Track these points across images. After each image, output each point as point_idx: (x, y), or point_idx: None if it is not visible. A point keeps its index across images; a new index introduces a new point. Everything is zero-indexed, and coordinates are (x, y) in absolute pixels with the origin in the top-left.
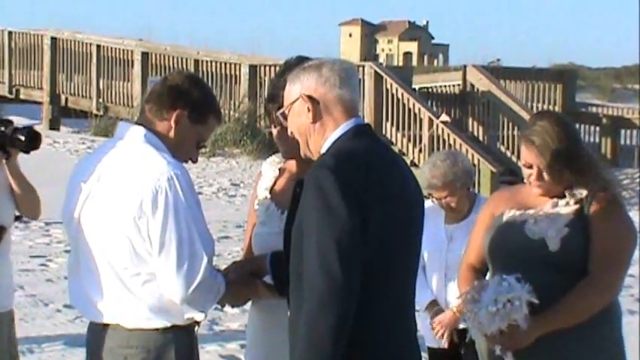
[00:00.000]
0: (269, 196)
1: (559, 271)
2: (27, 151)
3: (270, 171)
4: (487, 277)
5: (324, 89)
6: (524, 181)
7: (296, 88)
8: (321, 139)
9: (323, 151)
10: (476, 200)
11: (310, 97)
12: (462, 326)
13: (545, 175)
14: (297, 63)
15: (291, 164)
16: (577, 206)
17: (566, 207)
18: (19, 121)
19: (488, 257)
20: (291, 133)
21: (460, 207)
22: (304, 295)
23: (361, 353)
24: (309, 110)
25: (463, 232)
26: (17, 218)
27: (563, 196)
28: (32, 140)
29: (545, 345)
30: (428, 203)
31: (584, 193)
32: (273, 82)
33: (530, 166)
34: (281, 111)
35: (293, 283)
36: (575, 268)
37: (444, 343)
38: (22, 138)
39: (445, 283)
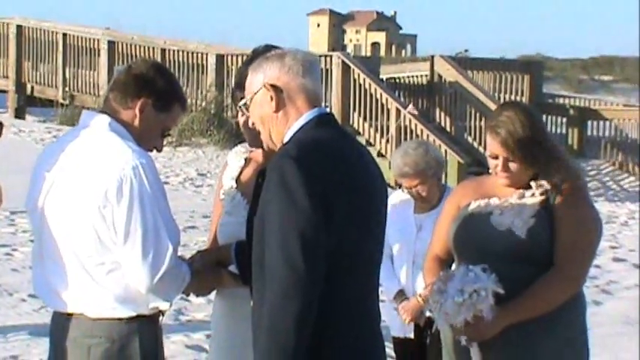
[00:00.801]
0: (235, 185)
1: (525, 262)
2: None
3: (235, 161)
4: (453, 268)
5: (288, 78)
6: (490, 171)
7: (258, 78)
8: (283, 128)
9: (286, 139)
10: (446, 191)
11: (273, 86)
12: (428, 315)
13: (511, 166)
14: (265, 51)
15: (257, 154)
16: (543, 197)
17: (532, 198)
18: None
19: (454, 248)
20: (253, 124)
21: (430, 196)
22: (267, 285)
23: (324, 344)
24: (271, 99)
25: (432, 221)
26: None
27: (529, 187)
28: None
29: (511, 335)
30: (397, 194)
31: (549, 183)
32: (241, 71)
33: (496, 157)
34: (243, 102)
35: (256, 273)
36: (541, 258)
37: (408, 324)
38: None
39: (413, 272)
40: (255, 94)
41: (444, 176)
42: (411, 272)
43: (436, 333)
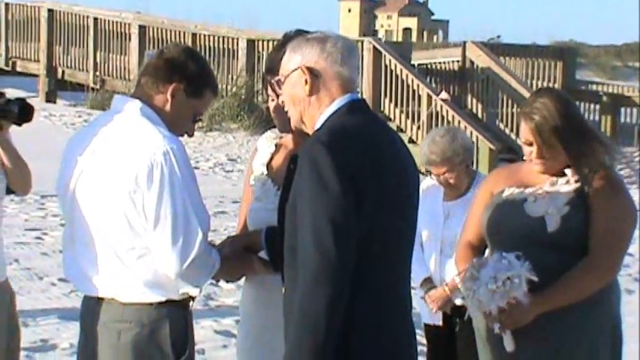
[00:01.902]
0: (265, 171)
1: (559, 250)
2: (19, 124)
3: (266, 146)
4: (486, 255)
5: (325, 64)
6: (525, 158)
7: (296, 58)
8: (316, 113)
9: (318, 126)
10: (475, 177)
11: (310, 70)
12: (458, 303)
13: (546, 153)
14: (296, 36)
15: (288, 140)
16: (577, 184)
17: (566, 185)
18: (15, 93)
19: (487, 235)
20: (282, 102)
21: (459, 184)
22: (298, 272)
23: (353, 331)
24: (306, 82)
25: (460, 209)
26: (11, 191)
27: (563, 174)
28: (24, 112)
29: (544, 323)
30: (427, 180)
31: (584, 171)
32: (272, 55)
33: (531, 144)
34: (277, 78)
35: (287, 260)
36: (575, 246)
37: (435, 313)
38: (15, 110)
39: (441, 259)
40: (291, 73)
41: (475, 163)
42: (438, 260)
43: (467, 320)
